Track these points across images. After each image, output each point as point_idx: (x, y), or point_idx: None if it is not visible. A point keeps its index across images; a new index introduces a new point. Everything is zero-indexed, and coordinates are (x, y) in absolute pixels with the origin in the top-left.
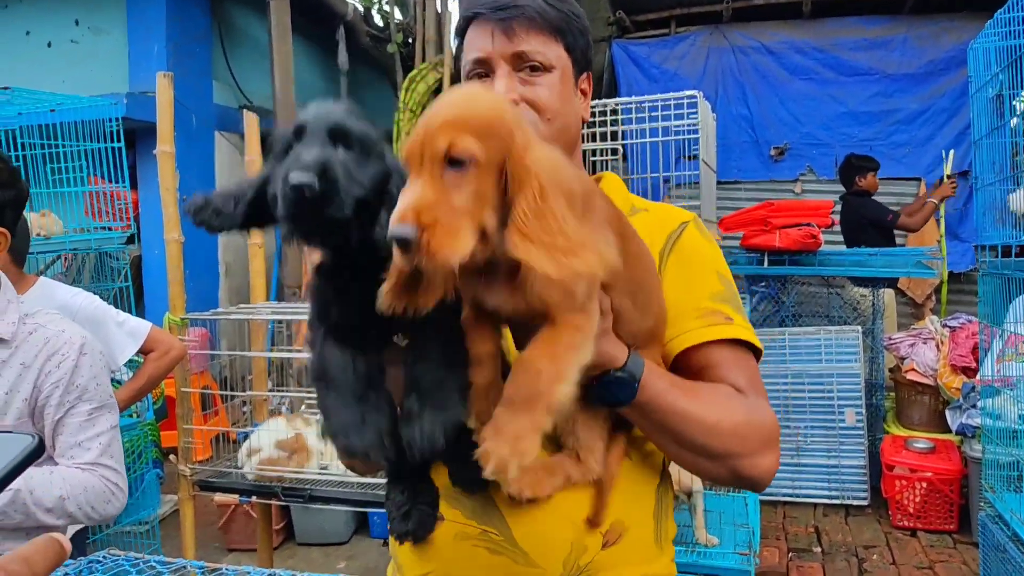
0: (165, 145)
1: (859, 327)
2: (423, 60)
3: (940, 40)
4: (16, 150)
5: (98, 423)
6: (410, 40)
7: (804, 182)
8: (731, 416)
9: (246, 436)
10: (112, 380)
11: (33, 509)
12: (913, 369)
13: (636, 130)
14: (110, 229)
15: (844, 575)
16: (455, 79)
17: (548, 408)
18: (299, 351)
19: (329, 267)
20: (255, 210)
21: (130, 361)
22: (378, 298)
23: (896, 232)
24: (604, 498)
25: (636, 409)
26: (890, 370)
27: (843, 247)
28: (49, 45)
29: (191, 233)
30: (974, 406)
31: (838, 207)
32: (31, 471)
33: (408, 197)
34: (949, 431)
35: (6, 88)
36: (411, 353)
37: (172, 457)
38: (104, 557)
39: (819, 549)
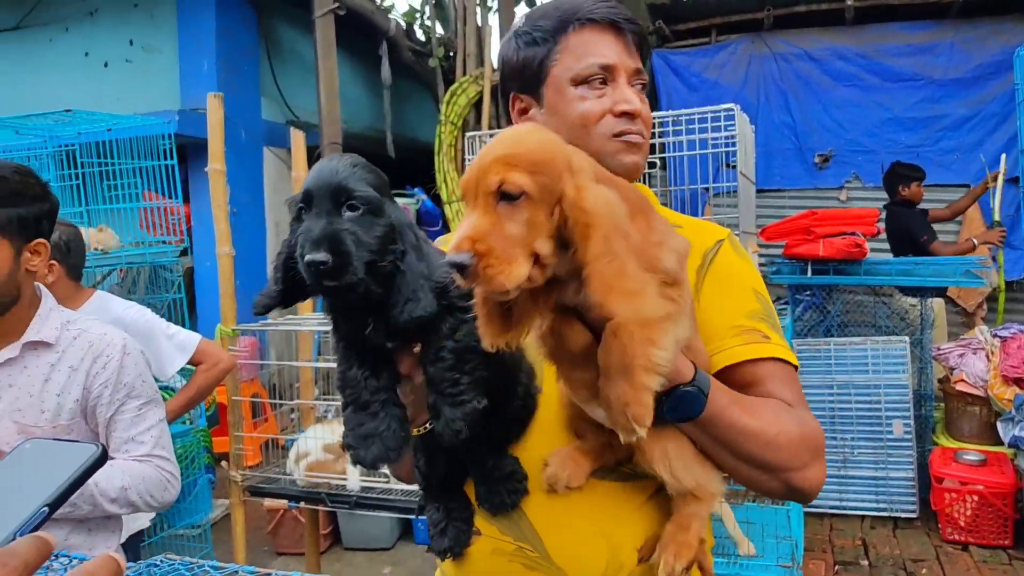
0: (216, 163)
1: (907, 337)
2: (464, 74)
3: (988, 43)
4: (75, 168)
5: (148, 417)
6: (451, 54)
7: (850, 189)
8: (787, 430)
9: (294, 443)
10: (166, 388)
11: (100, 500)
12: (963, 380)
13: (674, 143)
14: (164, 243)
15: None
16: (495, 91)
17: (646, 369)
18: None
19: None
20: (290, 284)
21: (182, 370)
22: (479, 338)
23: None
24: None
25: (699, 424)
26: (939, 381)
27: (891, 255)
28: (106, 65)
29: (241, 246)
30: None
31: (883, 215)
32: None
33: (464, 228)
34: (1001, 443)
35: (68, 111)
36: (426, 357)
37: (223, 463)
38: (160, 561)
39: (866, 562)
